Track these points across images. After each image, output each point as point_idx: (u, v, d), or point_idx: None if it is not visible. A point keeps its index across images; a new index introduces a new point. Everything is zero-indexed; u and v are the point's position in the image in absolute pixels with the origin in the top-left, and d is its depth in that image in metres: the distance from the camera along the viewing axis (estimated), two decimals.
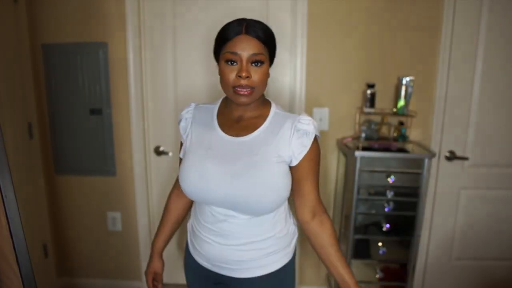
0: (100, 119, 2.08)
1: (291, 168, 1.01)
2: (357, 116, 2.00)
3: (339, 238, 1.99)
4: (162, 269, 1.26)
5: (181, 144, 1.12)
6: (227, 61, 0.94)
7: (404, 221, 1.84)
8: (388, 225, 1.82)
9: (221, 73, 0.96)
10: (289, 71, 2.01)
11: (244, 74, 0.91)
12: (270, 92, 2.03)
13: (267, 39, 0.96)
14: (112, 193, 2.18)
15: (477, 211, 2.11)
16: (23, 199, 1.96)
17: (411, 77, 1.85)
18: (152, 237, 2.23)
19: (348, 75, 1.99)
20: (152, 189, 2.22)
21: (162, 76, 2.07)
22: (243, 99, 0.94)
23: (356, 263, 1.91)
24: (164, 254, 1.35)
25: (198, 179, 0.98)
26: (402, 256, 1.89)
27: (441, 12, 1.90)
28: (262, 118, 1.02)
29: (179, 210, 1.22)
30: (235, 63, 0.93)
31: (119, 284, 2.31)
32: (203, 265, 1.10)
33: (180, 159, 1.11)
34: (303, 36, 1.94)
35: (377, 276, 1.90)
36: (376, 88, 1.90)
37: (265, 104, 1.05)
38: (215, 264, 1.07)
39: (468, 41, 1.91)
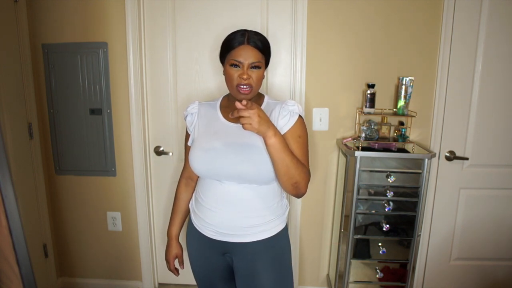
0: (100, 119, 2.08)
1: None
2: (357, 116, 2.00)
3: (339, 238, 2.00)
4: (182, 251, 1.41)
5: (187, 134, 1.34)
6: (231, 65, 1.15)
7: (404, 221, 1.84)
8: (388, 225, 1.82)
9: (227, 74, 1.17)
10: (289, 71, 2.01)
11: (245, 77, 1.13)
12: (270, 92, 2.04)
13: (264, 49, 1.17)
14: (112, 193, 2.18)
15: (477, 211, 2.11)
16: (23, 199, 1.96)
17: (411, 77, 1.85)
18: (152, 237, 2.24)
19: (348, 75, 1.99)
20: (152, 189, 2.21)
21: (162, 76, 2.07)
22: (244, 96, 1.15)
23: (356, 263, 1.91)
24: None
25: (208, 159, 1.17)
26: (402, 256, 1.89)
27: (441, 12, 1.90)
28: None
29: (189, 198, 1.38)
30: (238, 67, 1.14)
31: (119, 284, 2.31)
32: (210, 236, 1.24)
33: (187, 147, 1.32)
34: (303, 36, 1.94)
35: (377, 276, 1.90)
36: (376, 88, 1.90)
37: (259, 96, 1.28)
38: (222, 233, 1.21)
39: (468, 41, 1.91)
